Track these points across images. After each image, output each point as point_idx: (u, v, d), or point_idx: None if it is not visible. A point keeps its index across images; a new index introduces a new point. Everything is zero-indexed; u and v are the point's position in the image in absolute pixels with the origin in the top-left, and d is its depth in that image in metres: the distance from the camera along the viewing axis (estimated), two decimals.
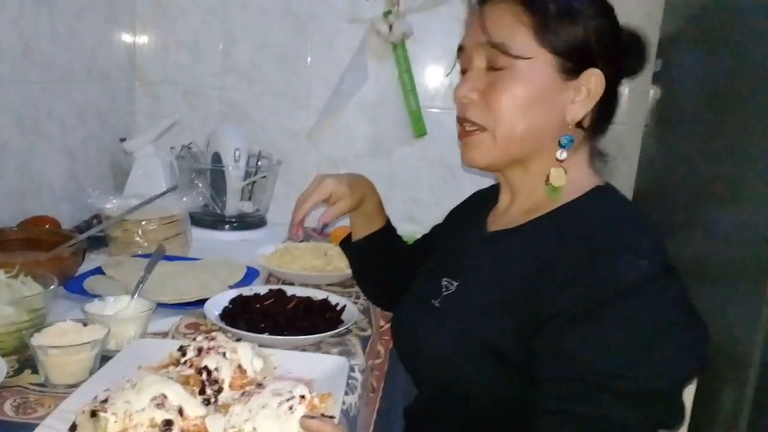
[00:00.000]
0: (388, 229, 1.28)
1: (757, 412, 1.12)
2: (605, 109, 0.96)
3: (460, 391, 0.93)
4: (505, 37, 0.91)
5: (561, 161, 0.94)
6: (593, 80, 0.92)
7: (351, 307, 1.23)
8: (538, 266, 0.88)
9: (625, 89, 1.90)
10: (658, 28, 1.77)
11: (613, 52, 0.94)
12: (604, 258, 0.83)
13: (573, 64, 0.91)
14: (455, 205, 1.24)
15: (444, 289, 1.01)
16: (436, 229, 1.27)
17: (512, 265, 0.93)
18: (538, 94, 0.92)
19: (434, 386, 1.00)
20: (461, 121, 0.97)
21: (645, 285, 0.80)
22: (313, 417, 0.78)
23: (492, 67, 0.93)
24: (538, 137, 0.94)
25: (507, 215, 1.02)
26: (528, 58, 0.90)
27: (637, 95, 1.89)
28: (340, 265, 1.45)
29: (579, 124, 0.95)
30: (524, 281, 0.89)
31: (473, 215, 1.12)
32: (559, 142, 0.94)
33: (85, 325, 0.98)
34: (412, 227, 1.64)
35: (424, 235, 1.30)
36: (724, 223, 1.30)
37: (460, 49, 0.98)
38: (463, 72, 0.98)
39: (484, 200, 1.12)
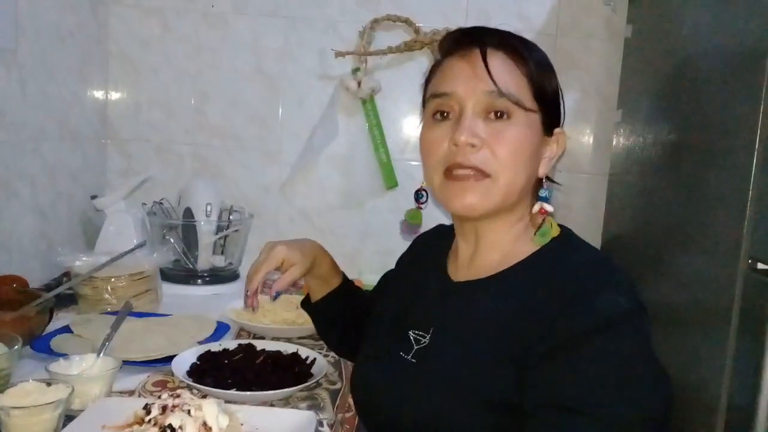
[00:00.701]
0: (345, 285, 1.28)
1: None
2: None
3: None
4: (512, 88, 0.92)
5: (543, 213, 0.97)
6: (561, 138, 0.98)
7: (321, 360, 1.23)
8: (519, 314, 0.89)
9: (589, 139, 1.98)
10: (617, 78, 1.83)
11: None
12: (586, 295, 0.85)
13: (551, 120, 0.96)
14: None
15: (415, 343, 1.00)
16: (386, 278, 1.28)
17: (491, 314, 0.93)
18: (534, 146, 0.94)
19: None
20: (457, 167, 0.93)
21: (623, 319, 0.83)
22: None
23: (492, 115, 0.93)
24: (525, 190, 0.97)
25: (472, 265, 1.02)
26: (531, 111, 0.93)
27: (601, 144, 1.95)
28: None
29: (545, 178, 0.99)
30: (507, 329, 0.89)
31: (427, 262, 1.12)
32: (539, 196, 0.98)
33: (49, 384, 0.97)
34: None
35: (377, 284, 1.31)
36: (688, 270, 1.33)
37: (442, 95, 0.96)
38: (440, 116, 0.96)
39: (432, 245, 1.13)
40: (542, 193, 0.98)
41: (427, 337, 0.99)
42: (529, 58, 0.94)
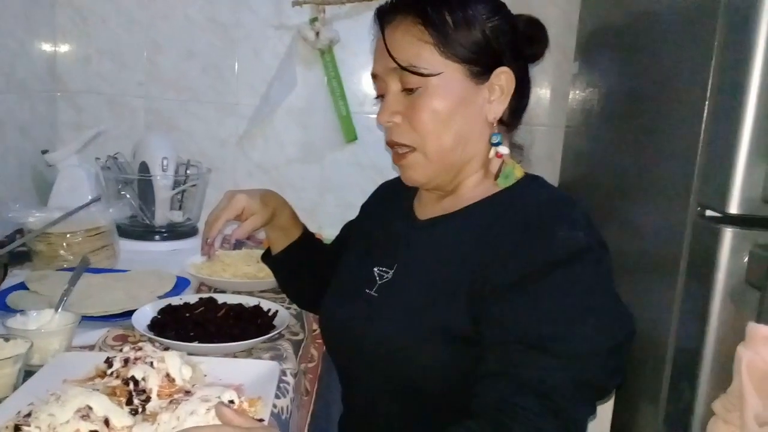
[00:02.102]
0: (306, 237, 1.29)
1: (674, 393, 1.19)
2: (519, 99, 1.01)
3: (414, 376, 0.94)
4: (412, 58, 0.94)
5: (499, 157, 0.99)
6: (503, 78, 0.97)
7: (283, 312, 1.23)
8: (480, 246, 0.92)
9: (546, 92, 1.99)
10: (575, 31, 1.84)
11: (515, 45, 0.98)
12: (543, 230, 0.88)
13: (480, 68, 0.96)
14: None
15: (378, 278, 1.03)
16: (351, 225, 1.29)
17: (454, 247, 0.97)
18: (456, 104, 0.95)
19: (381, 377, 1.00)
20: (391, 145, 1.00)
21: (582, 255, 0.86)
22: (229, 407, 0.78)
23: (407, 89, 0.96)
24: (466, 143, 0.98)
25: (439, 204, 1.05)
26: (438, 74, 0.94)
27: (558, 97, 1.97)
28: None
29: (500, 121, 0.99)
30: (468, 261, 0.92)
31: (392, 205, 1.14)
32: (490, 142, 0.99)
33: (7, 340, 0.96)
34: None
35: (339, 234, 1.32)
36: (640, 218, 1.37)
37: (374, 76, 1.01)
38: (381, 96, 1.01)
39: (398, 190, 1.15)
40: (493, 139, 0.99)
41: (391, 273, 1.03)
42: (435, 18, 0.94)
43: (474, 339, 0.89)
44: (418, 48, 0.94)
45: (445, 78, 0.94)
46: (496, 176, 1.00)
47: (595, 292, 0.86)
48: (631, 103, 1.45)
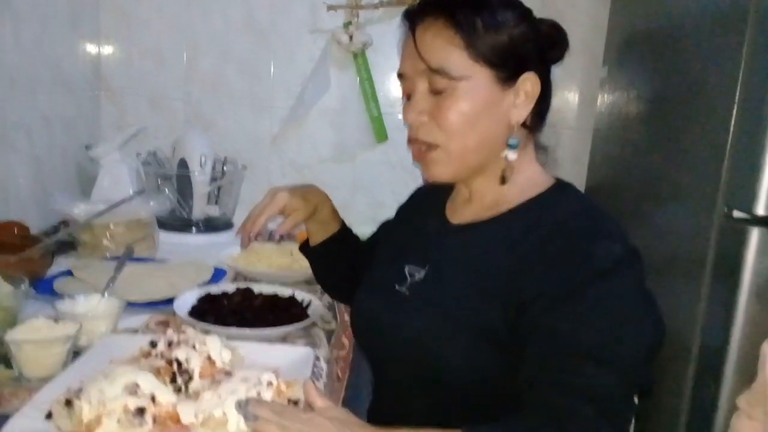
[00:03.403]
0: (344, 231, 1.32)
1: (699, 388, 1.20)
2: (543, 101, 1.02)
3: (443, 373, 0.96)
4: (442, 61, 0.95)
5: (510, 161, 1.01)
6: (529, 83, 0.99)
7: (316, 302, 1.28)
8: (515, 255, 0.94)
9: (574, 95, 2.01)
10: (604, 35, 1.86)
11: (540, 49, 1.00)
12: (583, 243, 0.90)
13: (507, 72, 0.98)
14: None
15: (410, 277, 1.06)
16: (387, 225, 1.32)
17: (488, 255, 0.99)
18: (482, 107, 0.97)
19: (410, 371, 1.02)
20: (413, 142, 1.01)
21: (620, 266, 0.88)
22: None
23: (435, 90, 0.97)
24: (489, 144, 1.00)
25: (469, 209, 1.07)
26: (467, 78, 0.96)
27: (586, 101, 1.99)
28: (305, 264, 1.49)
29: (522, 124, 1.02)
30: (503, 270, 0.94)
31: (427, 208, 1.17)
32: (508, 143, 1.01)
33: (56, 322, 1.01)
34: (375, 229, 1.70)
35: (375, 232, 1.35)
36: (667, 219, 1.38)
37: (400, 75, 1.02)
38: (408, 96, 1.02)
39: (433, 194, 1.18)
40: (510, 141, 1.00)
41: (422, 272, 1.05)
42: (465, 22, 0.95)
43: (505, 341, 0.92)
44: (448, 51, 0.96)
45: (473, 82, 0.96)
46: (501, 182, 1.01)
47: (634, 300, 0.89)
48: (660, 106, 1.47)
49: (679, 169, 1.33)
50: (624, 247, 0.91)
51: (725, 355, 1.13)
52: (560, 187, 1.03)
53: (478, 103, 0.97)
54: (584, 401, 0.83)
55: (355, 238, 1.37)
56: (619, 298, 0.88)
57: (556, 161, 1.11)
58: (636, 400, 0.93)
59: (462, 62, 0.96)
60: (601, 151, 1.86)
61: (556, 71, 1.05)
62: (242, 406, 0.78)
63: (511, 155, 1.01)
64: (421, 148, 1.01)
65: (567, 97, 2.01)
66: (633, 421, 1.16)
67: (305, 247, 1.34)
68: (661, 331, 0.92)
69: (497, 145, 1.01)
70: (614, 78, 1.76)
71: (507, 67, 0.97)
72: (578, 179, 1.95)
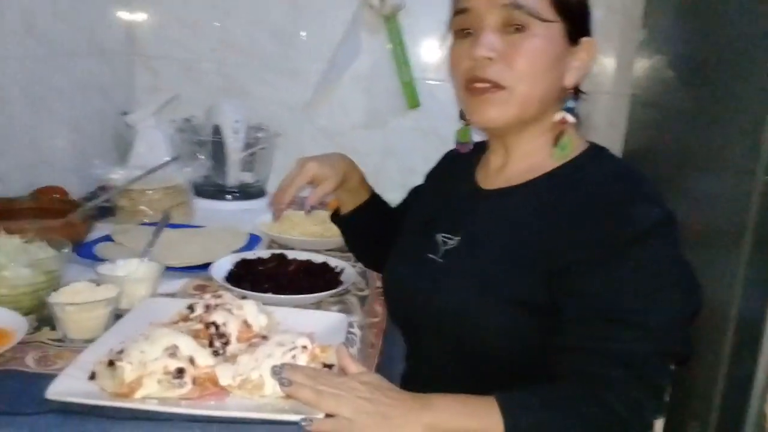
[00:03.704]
0: (374, 199, 1.32)
1: (736, 361, 1.19)
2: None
3: (479, 341, 0.97)
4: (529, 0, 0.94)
5: (563, 123, 1.00)
6: (590, 48, 0.98)
7: (349, 269, 1.29)
8: (551, 220, 0.94)
9: (611, 59, 1.97)
10: None
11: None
12: (619, 207, 0.89)
13: (576, 31, 0.97)
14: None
15: (443, 244, 1.06)
16: (417, 191, 1.32)
17: (522, 220, 0.98)
18: (553, 57, 0.96)
19: (444, 340, 1.02)
20: (476, 80, 0.97)
21: (656, 229, 0.88)
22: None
23: (511, 28, 0.95)
24: (548, 99, 0.99)
25: (502, 174, 1.06)
26: (550, 21, 0.94)
27: (623, 65, 1.94)
28: (338, 231, 1.50)
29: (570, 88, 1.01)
30: (539, 234, 0.94)
31: (457, 173, 1.17)
32: (566, 106, 1.00)
33: (98, 285, 1.04)
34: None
35: (405, 198, 1.35)
36: (705, 187, 1.36)
37: (463, 11, 0.98)
38: (463, 33, 0.99)
39: (462, 159, 1.17)
40: (569, 103, 1.00)
41: (456, 240, 1.05)
42: None
43: (544, 308, 0.91)
44: None
45: (551, 28, 0.95)
46: (554, 142, 1.00)
47: (670, 265, 0.88)
48: (699, 70, 1.43)
49: (719, 134, 1.30)
50: (661, 210, 0.90)
51: (764, 327, 1.12)
52: (595, 150, 1.02)
53: (551, 52, 0.96)
54: (620, 367, 0.83)
55: (386, 205, 1.37)
56: (656, 262, 0.87)
57: (592, 127, 1.09)
58: (672, 367, 0.93)
59: (543, 5, 0.94)
60: (638, 116, 1.83)
61: (593, 33, 1.04)
62: (277, 372, 0.80)
63: (570, 118, 1.00)
64: (486, 86, 0.96)
65: (603, 62, 1.97)
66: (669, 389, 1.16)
67: (336, 216, 1.34)
68: (698, 296, 0.91)
69: (552, 103, 1.00)
70: (653, 41, 1.72)
71: (579, 25, 0.97)
72: (615, 145, 1.92)
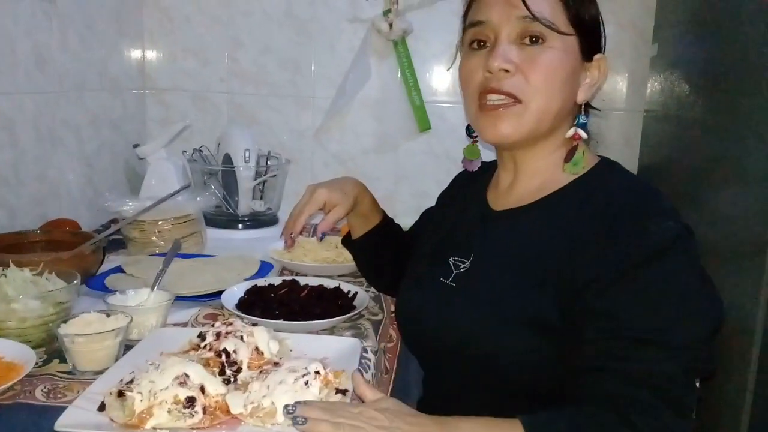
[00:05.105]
0: (385, 222, 1.31)
1: (763, 379, 1.15)
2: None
3: (493, 364, 0.94)
4: (545, 12, 0.92)
5: (576, 139, 0.98)
6: (602, 65, 0.98)
7: (362, 293, 1.27)
8: (564, 237, 0.92)
9: (623, 76, 1.95)
10: (653, 12, 1.80)
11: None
12: (635, 222, 0.87)
13: (589, 46, 0.96)
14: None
15: (455, 268, 1.04)
16: (428, 213, 1.30)
17: (534, 240, 0.96)
18: (569, 71, 0.95)
19: (458, 364, 1.00)
20: (491, 92, 0.95)
21: (675, 244, 0.85)
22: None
23: (527, 41, 0.93)
24: (562, 115, 0.98)
25: (513, 193, 1.04)
26: (566, 35, 0.93)
27: (636, 81, 1.93)
28: (350, 256, 1.48)
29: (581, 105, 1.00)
30: (552, 253, 0.92)
31: (467, 196, 1.15)
32: (578, 122, 0.99)
33: (108, 315, 1.02)
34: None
35: (417, 221, 1.34)
36: (724, 202, 1.33)
37: (478, 23, 0.97)
38: (477, 45, 0.98)
39: (473, 181, 1.15)
40: (581, 119, 0.99)
41: (467, 263, 1.03)
42: None
43: (558, 328, 0.89)
44: (552, 4, 0.93)
45: (568, 43, 0.94)
46: (567, 158, 0.98)
47: (690, 280, 0.85)
48: (713, 83, 1.41)
49: (735, 147, 1.28)
50: (677, 223, 0.87)
51: None
52: (607, 165, 1.00)
53: (567, 66, 0.95)
54: (644, 388, 0.80)
55: (398, 228, 1.36)
56: (676, 277, 0.84)
57: (606, 144, 1.08)
58: (698, 384, 0.89)
59: (561, 20, 0.93)
60: (653, 132, 1.81)
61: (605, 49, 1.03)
62: (290, 412, 0.77)
63: (582, 133, 0.99)
64: (501, 100, 0.94)
65: (616, 78, 1.96)
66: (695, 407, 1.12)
67: (348, 241, 1.33)
68: (720, 310, 0.88)
69: (565, 118, 0.99)
70: (665, 55, 1.71)
71: (592, 40, 0.96)
72: (630, 162, 1.89)
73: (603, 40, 1.00)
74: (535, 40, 0.93)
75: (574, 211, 0.93)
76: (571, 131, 0.99)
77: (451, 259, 1.05)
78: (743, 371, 1.19)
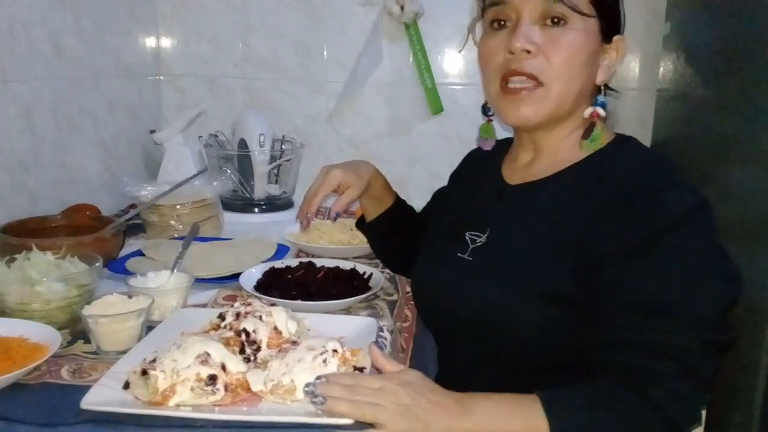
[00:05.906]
0: (398, 204, 1.32)
1: None
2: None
3: (511, 337, 0.95)
4: None
5: (595, 116, 0.99)
6: (620, 46, 0.98)
7: (378, 274, 1.29)
8: (581, 211, 0.92)
9: (635, 55, 1.94)
10: None
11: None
12: (651, 194, 0.87)
13: (609, 28, 0.97)
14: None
15: (470, 243, 1.05)
16: (440, 193, 1.31)
17: (551, 212, 0.97)
18: (590, 52, 0.96)
19: (476, 338, 1.01)
20: (513, 74, 0.95)
21: (692, 215, 0.85)
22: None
23: (549, 21, 0.93)
24: (582, 96, 0.98)
25: (530, 170, 1.05)
26: (588, 16, 0.93)
27: (648, 60, 1.92)
28: (365, 239, 1.50)
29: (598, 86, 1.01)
30: (569, 226, 0.93)
31: (481, 172, 1.16)
32: (596, 101, 1.00)
33: (130, 297, 1.05)
34: None
35: (429, 201, 1.35)
36: (739, 182, 1.33)
37: (499, 2, 0.96)
38: (497, 25, 0.98)
39: (486, 158, 1.16)
40: (600, 98, 0.99)
41: (484, 237, 1.04)
42: None
43: (574, 301, 0.90)
44: None
45: (589, 24, 0.94)
46: (585, 135, 0.99)
47: (708, 251, 0.86)
48: (725, 61, 1.41)
49: (748, 126, 1.28)
50: (695, 195, 0.87)
51: None
52: (622, 140, 1.01)
53: (588, 48, 0.95)
54: (662, 360, 0.81)
55: (410, 210, 1.37)
56: (693, 249, 0.84)
57: (619, 124, 1.08)
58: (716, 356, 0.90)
59: (585, 1, 0.93)
60: (666, 112, 1.80)
61: None
62: (311, 391, 0.78)
63: (601, 111, 0.99)
64: (523, 82, 0.95)
65: (628, 57, 1.94)
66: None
67: (361, 223, 1.34)
68: (737, 282, 0.88)
69: (584, 100, 1.00)
70: (677, 34, 1.70)
71: (611, 22, 0.96)
72: (644, 141, 1.86)
73: (622, 21, 1.00)
74: (557, 21, 0.93)
75: (591, 185, 0.94)
76: (590, 110, 1.00)
77: (467, 234, 1.06)
78: (758, 348, 1.20)
